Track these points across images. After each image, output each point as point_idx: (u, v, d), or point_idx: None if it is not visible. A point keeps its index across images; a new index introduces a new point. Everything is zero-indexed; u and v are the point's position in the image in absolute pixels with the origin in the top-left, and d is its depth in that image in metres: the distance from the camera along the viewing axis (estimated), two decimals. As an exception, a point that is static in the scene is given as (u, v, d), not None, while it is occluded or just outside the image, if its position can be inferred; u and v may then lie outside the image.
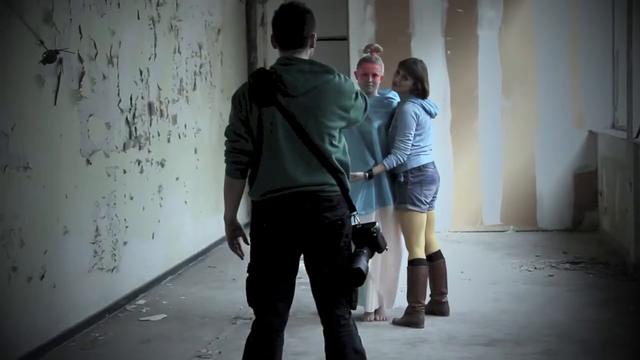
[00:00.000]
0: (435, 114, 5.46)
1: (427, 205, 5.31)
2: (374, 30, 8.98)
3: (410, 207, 5.22)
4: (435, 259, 5.48)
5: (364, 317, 5.45)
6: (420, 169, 5.26)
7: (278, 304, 3.45)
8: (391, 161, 5.22)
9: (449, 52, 8.80)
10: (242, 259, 3.62)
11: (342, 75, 3.43)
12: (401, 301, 5.47)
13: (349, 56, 8.98)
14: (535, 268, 6.90)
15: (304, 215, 3.35)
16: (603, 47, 8.50)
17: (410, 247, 5.30)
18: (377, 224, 3.51)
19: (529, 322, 5.31)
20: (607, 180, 8.06)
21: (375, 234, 3.45)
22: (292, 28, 3.39)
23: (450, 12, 8.85)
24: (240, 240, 3.56)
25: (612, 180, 7.76)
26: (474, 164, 8.73)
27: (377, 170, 5.23)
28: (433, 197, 5.37)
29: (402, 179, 5.25)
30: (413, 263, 5.27)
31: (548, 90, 8.72)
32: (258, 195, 3.41)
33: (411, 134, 5.21)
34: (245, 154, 3.42)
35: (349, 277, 3.37)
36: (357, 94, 3.47)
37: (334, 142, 3.39)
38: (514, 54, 8.77)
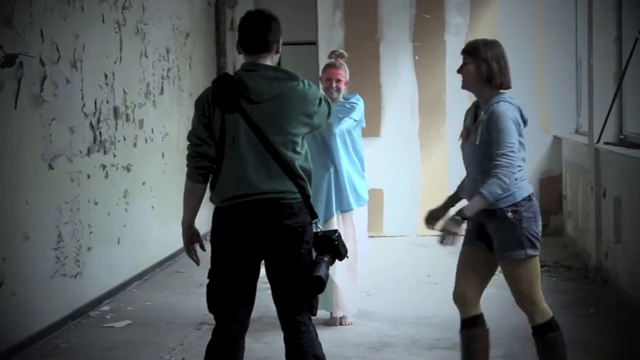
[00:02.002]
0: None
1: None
2: (342, 35, 9.03)
3: (530, 251, 3.87)
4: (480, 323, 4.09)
5: (329, 322, 5.48)
6: (530, 197, 3.78)
7: (238, 310, 3.45)
8: (495, 190, 3.58)
9: (416, 57, 8.86)
10: (197, 265, 3.62)
11: (306, 82, 3.45)
12: (365, 305, 5.49)
13: (318, 60, 9.01)
14: (500, 272, 6.94)
15: (264, 222, 3.36)
16: (567, 54, 8.63)
17: (535, 303, 4.08)
18: (338, 231, 3.53)
19: (492, 326, 5.31)
20: (571, 184, 8.17)
21: (336, 242, 3.46)
22: (257, 33, 3.41)
23: (417, 17, 8.92)
24: (197, 246, 3.55)
25: (576, 184, 7.86)
26: (442, 169, 8.79)
27: (473, 208, 3.62)
28: None
29: (511, 216, 3.70)
30: (548, 328, 4.01)
31: (514, 95, 8.78)
32: (219, 201, 3.41)
33: (516, 147, 3.65)
34: (207, 158, 3.42)
35: (310, 284, 3.38)
36: (321, 99, 3.48)
37: (296, 148, 3.39)
38: (480, 60, 8.83)
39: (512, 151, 3.60)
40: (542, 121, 8.79)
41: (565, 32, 8.60)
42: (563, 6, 8.61)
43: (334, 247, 3.46)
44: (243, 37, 3.43)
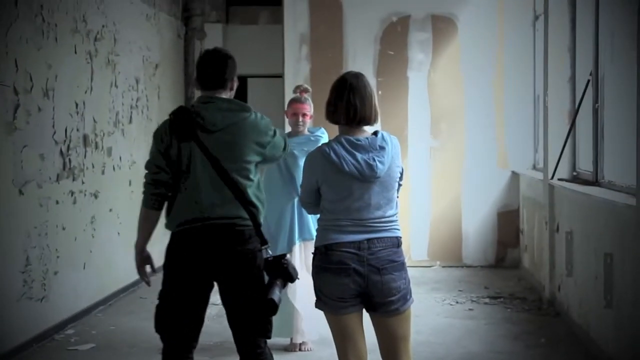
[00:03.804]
0: None
1: None
2: (308, 69, 9.26)
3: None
4: None
5: (289, 348, 5.62)
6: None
7: (185, 330, 3.63)
8: None
9: (380, 92, 9.12)
10: (149, 285, 3.81)
11: (258, 114, 3.67)
12: (325, 331, 5.61)
13: (284, 93, 9.22)
14: (457, 302, 7.18)
15: (216, 247, 3.55)
16: (525, 91, 8.94)
17: None
18: (287, 255, 3.71)
19: (446, 354, 5.55)
20: (528, 218, 8.44)
21: (285, 265, 3.64)
22: (213, 71, 3.64)
23: (382, 54, 9.19)
24: (148, 268, 3.73)
25: (532, 219, 8.14)
26: (403, 202, 8.89)
27: None
28: None
29: None
30: None
31: (474, 131, 9.11)
32: (174, 226, 3.61)
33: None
34: (164, 185, 3.63)
35: (263, 307, 3.55)
36: (275, 131, 3.71)
37: (249, 176, 3.61)
38: (442, 96, 9.15)
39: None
40: (500, 157, 9.09)
41: (523, 71, 8.92)
42: (522, 45, 8.93)
43: (284, 270, 3.63)
44: (200, 74, 3.67)
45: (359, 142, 3.41)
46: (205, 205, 3.54)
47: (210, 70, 3.64)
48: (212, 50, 3.72)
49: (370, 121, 3.48)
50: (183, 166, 3.57)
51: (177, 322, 3.61)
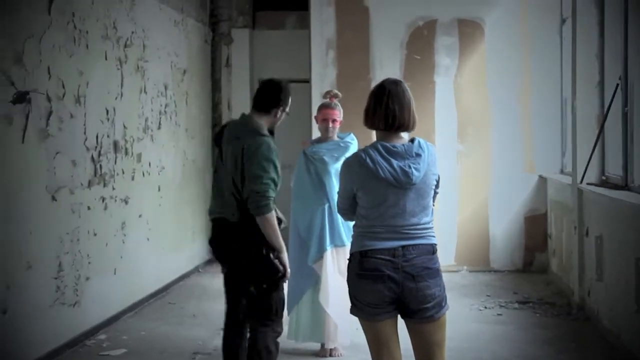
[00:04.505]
0: None
1: None
2: (335, 74, 9.28)
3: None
4: None
5: (319, 353, 5.63)
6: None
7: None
8: None
9: (406, 97, 9.11)
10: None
11: (263, 142, 4.10)
12: (357, 338, 5.62)
13: (310, 98, 9.25)
14: (486, 307, 7.16)
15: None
16: (552, 96, 8.90)
17: None
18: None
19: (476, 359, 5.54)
20: (556, 223, 8.40)
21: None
22: (264, 97, 4.25)
23: (408, 59, 9.20)
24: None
25: (560, 223, 8.09)
26: (430, 206, 8.99)
27: None
28: None
29: None
30: None
31: (501, 136, 9.09)
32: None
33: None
34: None
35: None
36: (267, 164, 4.10)
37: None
38: (468, 100, 9.13)
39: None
40: (527, 161, 9.05)
41: (551, 74, 8.89)
42: (549, 48, 8.89)
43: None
44: (255, 96, 4.32)
45: (395, 149, 3.43)
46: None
47: (261, 95, 4.27)
48: (272, 80, 4.31)
49: (408, 127, 3.50)
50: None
51: None
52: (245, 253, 4.15)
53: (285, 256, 4.18)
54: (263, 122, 4.20)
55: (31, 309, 5.26)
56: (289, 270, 4.21)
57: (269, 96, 4.23)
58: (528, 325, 6.50)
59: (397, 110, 3.46)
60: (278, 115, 4.27)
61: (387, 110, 3.47)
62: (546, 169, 8.97)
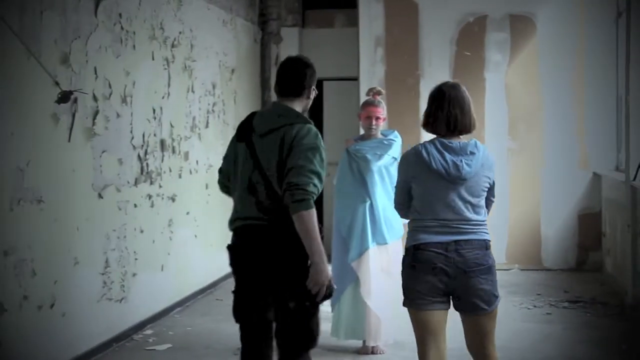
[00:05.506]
0: None
1: None
2: (384, 72, 9.24)
3: None
4: None
5: (361, 350, 5.60)
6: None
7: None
8: None
9: (456, 93, 9.01)
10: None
11: (304, 127, 3.52)
12: (400, 336, 5.58)
13: (359, 96, 9.23)
14: (535, 306, 7.03)
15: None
16: (608, 91, 8.69)
17: None
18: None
19: (521, 359, 5.44)
20: (610, 221, 8.19)
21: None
22: (290, 79, 3.66)
23: (458, 55, 9.09)
24: None
25: (614, 221, 7.89)
26: (480, 204, 8.88)
27: None
28: None
29: None
30: None
31: (553, 132, 8.91)
32: None
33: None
34: None
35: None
36: (311, 149, 3.47)
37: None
38: (520, 97, 8.97)
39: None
40: (581, 158, 8.86)
41: (606, 70, 8.68)
42: (604, 43, 8.69)
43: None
44: (278, 80, 3.72)
45: (450, 145, 3.56)
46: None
47: (287, 77, 3.67)
48: (292, 57, 3.78)
49: (469, 131, 3.62)
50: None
51: None
52: (286, 263, 3.50)
53: (326, 267, 3.40)
54: (297, 108, 3.65)
55: (78, 304, 5.36)
56: (334, 286, 3.50)
57: (296, 76, 3.64)
58: (578, 325, 6.36)
59: (459, 116, 3.57)
60: (311, 96, 3.70)
61: (449, 116, 3.57)
62: (601, 166, 8.76)
